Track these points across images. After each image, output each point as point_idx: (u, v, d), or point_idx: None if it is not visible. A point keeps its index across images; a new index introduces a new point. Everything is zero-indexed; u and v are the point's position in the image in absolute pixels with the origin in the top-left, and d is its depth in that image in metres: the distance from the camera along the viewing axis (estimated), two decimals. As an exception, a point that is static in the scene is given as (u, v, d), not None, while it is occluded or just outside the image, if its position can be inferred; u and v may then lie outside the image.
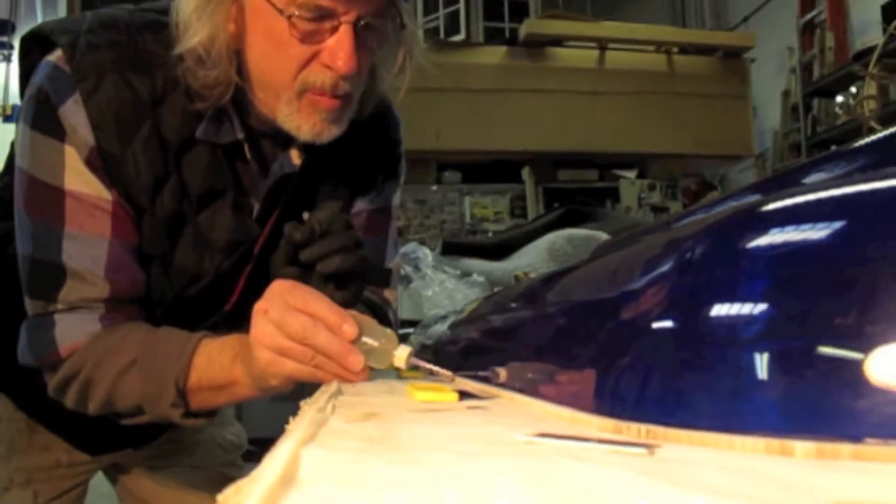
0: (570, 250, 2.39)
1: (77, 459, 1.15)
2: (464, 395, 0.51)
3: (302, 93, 0.88)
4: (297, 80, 0.88)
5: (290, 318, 0.76)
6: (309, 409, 0.39)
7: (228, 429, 1.37)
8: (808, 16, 5.26)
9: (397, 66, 0.98)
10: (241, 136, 0.95)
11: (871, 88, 4.04)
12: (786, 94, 5.23)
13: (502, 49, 4.29)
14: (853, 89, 4.43)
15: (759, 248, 0.35)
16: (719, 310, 0.34)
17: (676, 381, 0.33)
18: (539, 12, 5.45)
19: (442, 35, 5.57)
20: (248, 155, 0.96)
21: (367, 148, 1.06)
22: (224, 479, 1.31)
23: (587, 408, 0.38)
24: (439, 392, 0.50)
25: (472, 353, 0.80)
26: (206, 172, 0.95)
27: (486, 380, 0.71)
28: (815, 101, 4.89)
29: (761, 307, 0.33)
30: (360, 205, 1.11)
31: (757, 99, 5.00)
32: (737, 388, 0.31)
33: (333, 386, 0.59)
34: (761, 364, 0.31)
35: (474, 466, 0.26)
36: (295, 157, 0.97)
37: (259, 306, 0.79)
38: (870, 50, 4.31)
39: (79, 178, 0.89)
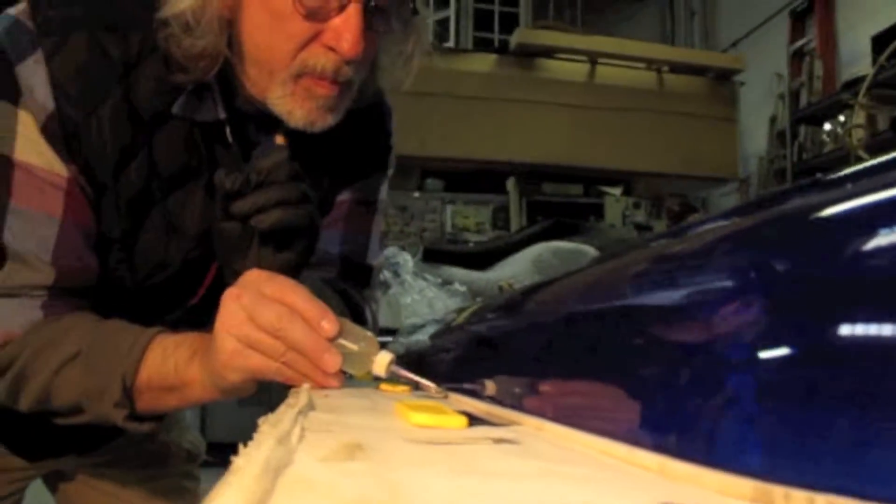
0: (555, 263, 2.31)
1: (11, 465, 1.04)
2: (472, 419, 0.41)
3: (299, 75, 0.80)
4: (295, 60, 0.80)
5: (263, 307, 0.68)
6: (268, 434, 0.29)
7: (185, 436, 1.27)
8: (798, 43, 5.27)
9: (404, 57, 0.90)
10: (223, 116, 0.86)
11: (859, 118, 4.02)
12: (772, 119, 5.22)
13: (492, 57, 4.22)
14: (841, 118, 4.42)
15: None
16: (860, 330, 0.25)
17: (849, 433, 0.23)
18: (529, 24, 5.39)
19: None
20: (230, 137, 0.87)
21: (357, 138, 0.98)
22: (179, 490, 1.21)
23: (668, 449, 0.29)
24: (441, 414, 0.40)
25: (483, 366, 0.70)
26: (180, 151, 0.86)
27: (473, 393, 0.62)
28: (802, 129, 4.88)
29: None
30: (344, 195, 1.02)
31: (742, 124, 4.97)
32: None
33: (303, 397, 0.48)
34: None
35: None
36: (280, 142, 0.89)
37: (231, 292, 0.70)
38: (858, 80, 4.32)
39: (32, 148, 0.80)
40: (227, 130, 0.87)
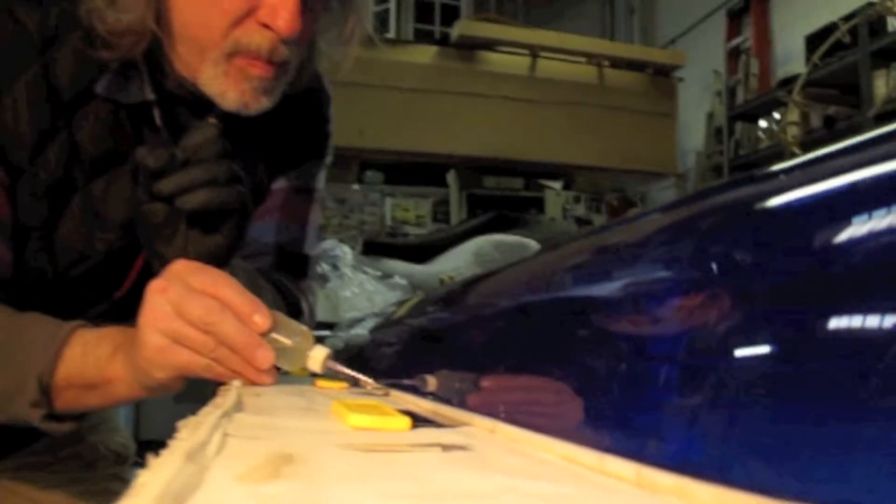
0: (497, 256, 2.29)
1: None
2: (416, 419, 0.37)
3: (232, 55, 0.75)
4: (228, 38, 0.75)
5: (191, 300, 0.63)
6: (180, 445, 0.25)
7: (114, 437, 1.20)
8: (735, 41, 5.35)
9: (343, 39, 0.86)
10: (151, 97, 0.80)
11: (794, 115, 4.09)
12: (710, 116, 5.30)
13: (433, 49, 4.17)
14: (776, 115, 4.50)
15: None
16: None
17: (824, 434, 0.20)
18: (470, 17, 5.37)
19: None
20: (158, 121, 0.82)
21: (293, 123, 0.94)
22: (107, 494, 1.15)
23: (647, 456, 0.25)
24: (381, 415, 0.36)
25: (425, 361, 0.66)
26: (104, 135, 0.80)
27: (415, 390, 0.58)
28: (739, 125, 4.96)
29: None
30: (280, 182, 0.97)
31: (681, 119, 5.03)
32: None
33: (231, 397, 0.44)
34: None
35: None
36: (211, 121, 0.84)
37: (155, 284, 0.65)
38: (793, 78, 4.41)
39: None
40: (156, 113, 0.82)
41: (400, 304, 1.37)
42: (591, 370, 0.35)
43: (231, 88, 0.76)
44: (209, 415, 0.34)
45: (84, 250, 0.83)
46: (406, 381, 0.56)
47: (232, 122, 0.81)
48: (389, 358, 0.88)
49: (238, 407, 0.41)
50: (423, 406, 0.48)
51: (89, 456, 1.13)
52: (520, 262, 0.71)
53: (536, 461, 0.28)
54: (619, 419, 0.30)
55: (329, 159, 1.03)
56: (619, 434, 0.29)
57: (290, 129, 0.94)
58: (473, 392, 0.48)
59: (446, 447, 0.28)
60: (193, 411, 0.38)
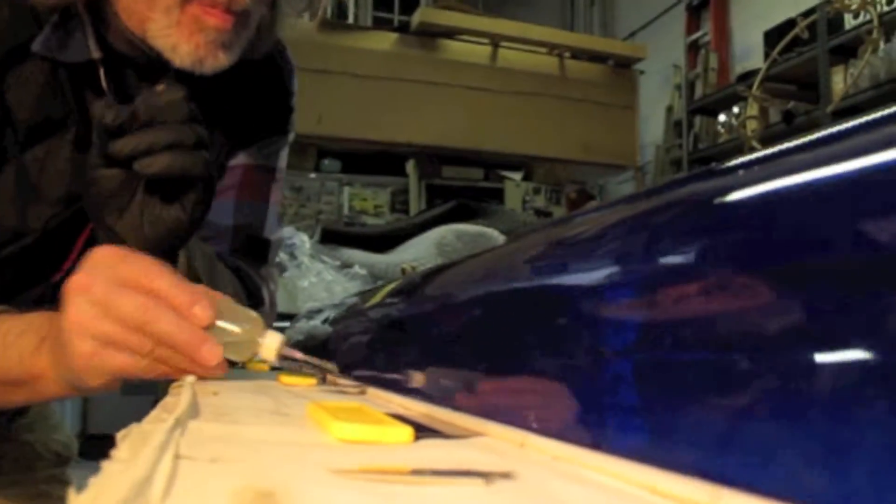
0: (459, 246, 2.22)
1: None
2: (421, 428, 0.30)
3: (186, 1, 0.66)
4: None
5: (120, 297, 0.54)
6: (119, 476, 0.17)
7: (53, 436, 1.11)
8: (694, 36, 5.38)
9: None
10: (97, 55, 0.72)
11: (753, 109, 4.10)
12: (669, 109, 5.31)
13: (393, 36, 4.08)
14: (735, 109, 4.51)
15: None
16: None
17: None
18: (430, 5, 5.29)
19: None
20: (104, 83, 0.73)
21: (254, 93, 0.86)
22: (44, 498, 1.06)
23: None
24: (373, 423, 0.29)
25: (405, 353, 0.58)
26: (41, 98, 0.72)
27: (394, 385, 0.51)
28: (698, 119, 4.98)
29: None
30: (239, 159, 0.89)
31: (640, 113, 5.03)
32: None
33: (184, 398, 0.37)
34: None
35: None
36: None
37: (77, 281, 0.56)
38: (751, 73, 4.44)
39: None
40: (101, 74, 0.73)
41: (362, 293, 1.30)
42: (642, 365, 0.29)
43: (184, 41, 0.68)
44: (157, 424, 0.27)
45: (18, 228, 0.75)
46: (386, 376, 0.49)
47: (191, 91, 0.73)
48: (359, 351, 0.81)
49: (193, 411, 0.33)
50: (413, 408, 0.41)
51: (26, 456, 1.04)
52: (500, 247, 0.64)
53: (609, 491, 0.21)
54: (696, 429, 0.24)
55: (292, 136, 0.95)
56: (698, 450, 0.23)
57: (251, 100, 0.86)
58: (475, 391, 0.41)
59: (485, 476, 0.21)
60: (142, 404, 0.31)
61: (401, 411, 0.39)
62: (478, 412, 0.37)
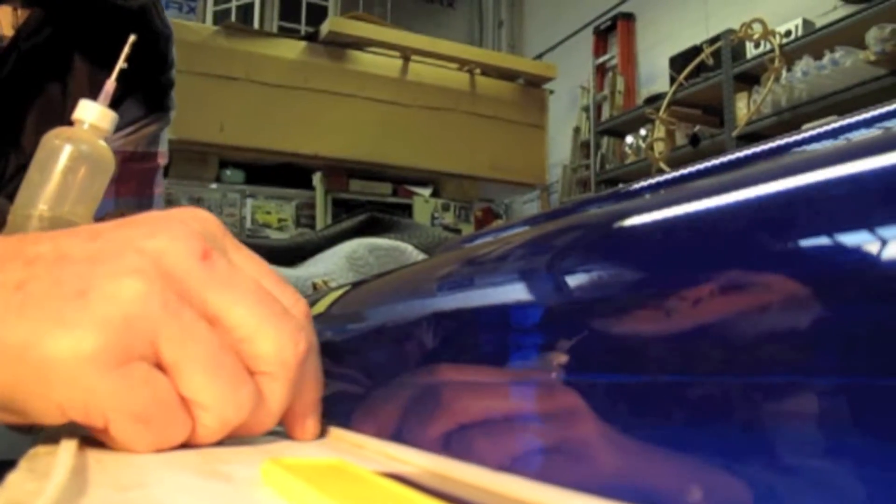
0: (371, 261, 2.11)
1: None
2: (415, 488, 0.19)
3: None
4: None
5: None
6: None
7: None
8: (602, 58, 5.44)
9: None
10: None
11: (660, 132, 4.16)
12: (577, 130, 5.35)
13: (301, 45, 3.95)
14: (643, 132, 4.57)
15: None
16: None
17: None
18: (338, 16, 5.17)
19: (233, 25, 5.14)
20: None
21: (122, 51, 0.71)
22: None
23: None
24: (376, 498, 0.18)
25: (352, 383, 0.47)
26: None
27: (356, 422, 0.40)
28: (605, 140, 5.03)
29: None
30: (115, 143, 0.74)
31: (549, 132, 5.05)
32: None
33: (63, 455, 0.25)
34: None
35: None
36: (5, 23, 0.61)
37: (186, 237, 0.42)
38: (658, 97, 4.52)
39: None
40: None
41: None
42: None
43: None
44: None
45: None
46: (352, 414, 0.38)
47: (43, 27, 0.59)
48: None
49: (78, 477, 0.22)
50: (408, 460, 0.30)
51: None
52: (444, 259, 0.55)
53: None
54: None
55: (174, 113, 0.80)
56: None
57: (120, 69, 0.70)
58: (452, 433, 0.31)
59: None
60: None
61: (395, 466, 0.28)
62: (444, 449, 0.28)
